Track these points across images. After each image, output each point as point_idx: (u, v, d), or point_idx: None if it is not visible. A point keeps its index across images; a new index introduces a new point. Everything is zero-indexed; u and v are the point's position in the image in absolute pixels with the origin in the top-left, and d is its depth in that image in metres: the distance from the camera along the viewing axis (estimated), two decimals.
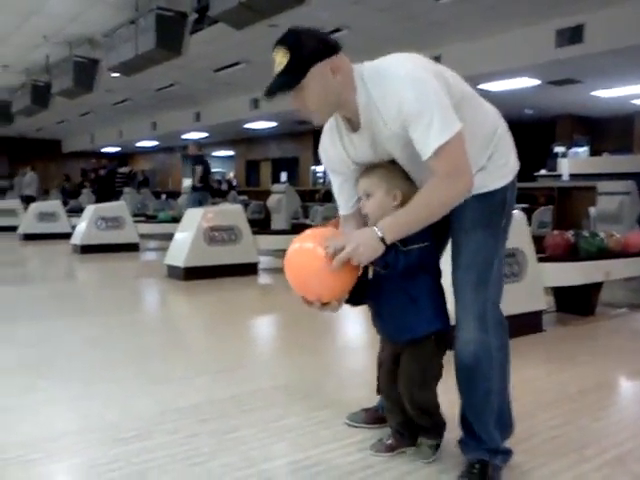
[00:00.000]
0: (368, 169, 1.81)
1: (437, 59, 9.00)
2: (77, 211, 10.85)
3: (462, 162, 1.63)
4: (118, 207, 8.88)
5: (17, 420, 2.26)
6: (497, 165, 1.78)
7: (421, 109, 1.58)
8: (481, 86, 9.72)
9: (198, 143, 10.64)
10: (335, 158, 1.87)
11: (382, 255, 1.65)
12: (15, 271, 7.13)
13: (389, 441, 1.97)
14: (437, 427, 1.94)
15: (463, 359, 1.76)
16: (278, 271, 6.40)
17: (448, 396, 1.92)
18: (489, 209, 1.78)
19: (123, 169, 14.73)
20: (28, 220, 10.45)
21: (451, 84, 1.68)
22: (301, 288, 1.73)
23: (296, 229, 6.76)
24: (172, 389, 2.63)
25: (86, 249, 8.11)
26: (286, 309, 4.61)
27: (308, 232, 1.80)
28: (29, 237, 10.10)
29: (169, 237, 6.81)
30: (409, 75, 1.61)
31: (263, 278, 6.41)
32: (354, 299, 1.85)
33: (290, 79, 1.62)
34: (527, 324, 3.59)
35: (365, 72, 1.67)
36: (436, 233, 1.80)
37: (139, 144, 20.64)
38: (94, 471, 1.85)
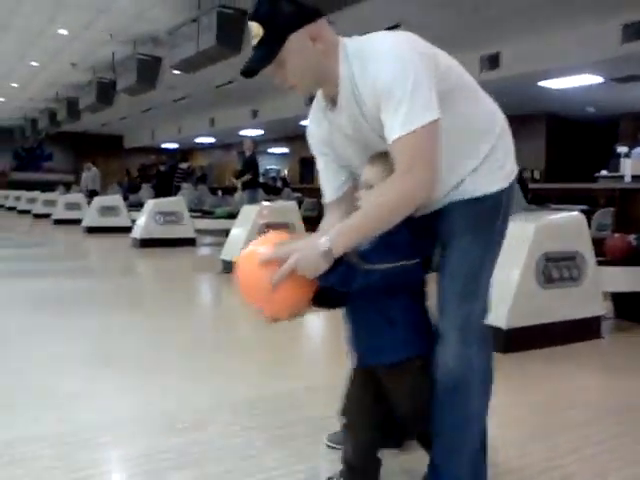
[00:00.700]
0: (373, 157, 1.60)
1: (496, 56, 8.84)
2: (137, 206, 11.20)
3: (427, 158, 1.44)
4: (176, 202, 9.12)
5: (84, 406, 2.38)
6: (492, 168, 1.60)
7: (393, 88, 1.41)
8: (541, 83, 9.48)
9: (253, 140, 10.79)
10: (320, 138, 1.70)
11: (330, 270, 1.42)
12: (79, 264, 7.44)
13: None
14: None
15: (439, 378, 1.55)
16: None
17: None
18: (479, 215, 1.60)
19: (182, 165, 15.05)
20: (91, 214, 10.86)
21: (443, 71, 1.51)
22: (248, 297, 1.52)
23: None
24: (227, 382, 2.70)
25: (145, 243, 8.36)
26: None
27: (269, 235, 1.62)
28: (92, 230, 10.50)
29: (225, 233, 6.95)
30: (391, 51, 1.46)
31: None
32: (322, 300, 1.59)
33: (267, 52, 1.48)
34: (585, 330, 3.49)
35: (350, 45, 1.52)
36: (425, 247, 1.61)
37: (197, 140, 21.09)
38: (154, 458, 1.93)
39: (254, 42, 1.50)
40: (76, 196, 13.40)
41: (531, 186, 10.76)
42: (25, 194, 17.00)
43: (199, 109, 16.13)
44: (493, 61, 8.80)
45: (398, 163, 1.44)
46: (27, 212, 15.65)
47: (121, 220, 10.84)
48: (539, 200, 8.02)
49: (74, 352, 3.16)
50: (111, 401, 2.45)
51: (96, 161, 16.56)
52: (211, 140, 20.79)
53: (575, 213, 3.62)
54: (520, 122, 12.28)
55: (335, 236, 1.43)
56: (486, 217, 1.61)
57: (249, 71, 1.50)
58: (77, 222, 11.38)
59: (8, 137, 22.44)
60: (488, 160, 1.59)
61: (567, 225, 3.53)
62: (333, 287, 1.49)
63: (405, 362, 1.56)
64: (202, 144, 22.36)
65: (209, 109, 16.12)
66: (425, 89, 1.42)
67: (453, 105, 1.51)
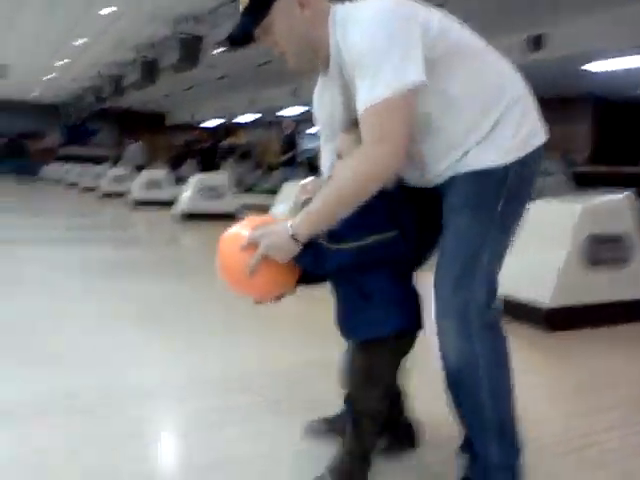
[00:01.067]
0: (350, 126, 1.51)
1: (539, 38, 8.62)
2: (181, 180, 11.39)
3: (391, 130, 1.33)
4: (219, 178, 9.27)
5: (137, 365, 2.52)
6: (498, 141, 1.46)
7: (364, 55, 1.34)
8: (587, 66, 9.20)
9: (293, 120, 10.83)
10: (321, 111, 1.65)
11: (301, 253, 1.41)
12: (125, 235, 7.67)
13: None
14: (359, 441, 1.55)
15: (447, 367, 1.51)
16: None
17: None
18: (481, 190, 1.46)
19: (225, 142, 15.21)
20: (137, 187, 11.10)
21: (435, 36, 1.39)
22: (228, 279, 1.50)
23: None
24: (268, 350, 2.79)
25: (188, 216, 8.54)
26: None
27: (252, 218, 1.59)
28: (137, 203, 10.75)
29: (266, 209, 7.05)
30: (371, 17, 1.38)
31: None
32: (308, 277, 1.55)
33: (252, 18, 1.45)
34: (631, 311, 3.45)
35: (339, 12, 1.46)
36: (404, 220, 1.51)
37: (239, 118, 21.22)
38: (201, 415, 2.04)
39: (241, 9, 1.48)
40: (122, 170, 13.69)
41: (578, 169, 10.54)
42: (74, 168, 17.45)
43: (240, 87, 16.20)
44: (537, 43, 8.58)
45: (363, 137, 1.37)
46: (75, 185, 16.08)
47: (165, 194, 11.05)
48: (586, 182, 7.86)
49: (125, 315, 3.30)
50: (160, 361, 2.58)
51: (140, 137, 16.85)
52: (252, 118, 20.88)
53: (622, 195, 3.56)
54: (565, 104, 12.06)
55: (299, 221, 1.40)
56: (488, 193, 1.47)
57: (235, 38, 1.49)
58: (123, 195, 11.66)
59: (56, 113, 23.02)
60: (497, 130, 1.46)
61: (614, 206, 3.48)
62: (306, 269, 1.47)
63: (376, 341, 1.50)
64: (244, 122, 22.48)
65: (250, 88, 16.17)
66: (397, 56, 1.32)
67: (449, 72, 1.42)
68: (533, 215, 3.54)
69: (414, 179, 1.57)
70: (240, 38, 1.50)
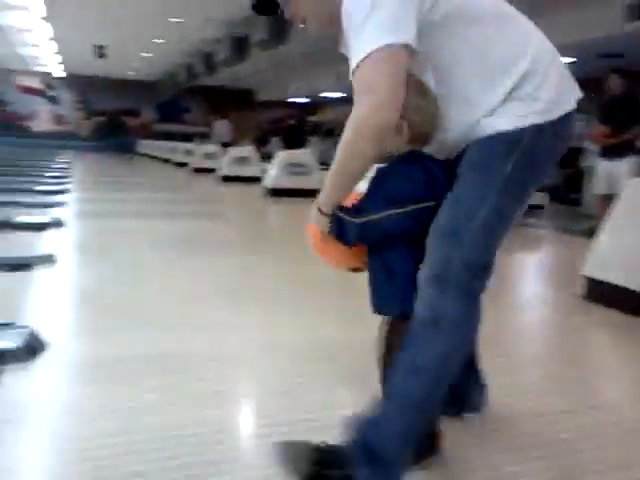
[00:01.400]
0: None
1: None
2: (267, 157, 11.62)
3: (376, 81, 1.29)
4: (305, 155, 9.38)
5: (226, 331, 2.65)
6: (514, 106, 1.40)
7: (351, 10, 1.32)
8: None
9: None
10: None
11: (331, 225, 1.47)
12: (214, 209, 7.96)
13: None
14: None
15: (413, 316, 1.44)
16: None
17: None
18: (489, 152, 1.41)
19: (311, 119, 15.32)
20: (225, 163, 11.45)
21: None
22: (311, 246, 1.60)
23: None
24: (348, 322, 2.85)
25: (275, 192, 8.72)
26: None
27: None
28: (226, 179, 11.09)
29: None
30: None
31: None
32: None
33: None
34: None
35: None
36: (427, 193, 1.46)
37: (325, 95, 21.27)
38: (288, 380, 2.14)
39: None
40: (212, 147, 14.13)
41: None
42: (166, 144, 18.19)
43: (327, 64, 16.17)
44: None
45: (355, 96, 1.34)
46: (168, 161, 16.79)
47: (253, 170, 11.32)
48: None
49: (215, 286, 3.47)
50: (247, 329, 2.70)
51: (228, 114, 17.28)
52: (338, 94, 20.86)
53: None
54: None
55: (321, 194, 1.47)
56: (496, 155, 1.40)
57: (258, 4, 1.52)
58: (213, 171, 12.06)
59: (151, 91, 24.02)
60: (514, 96, 1.40)
61: None
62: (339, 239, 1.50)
63: (401, 317, 1.48)
64: (329, 98, 22.50)
65: (337, 64, 16.10)
66: (381, 15, 1.28)
67: (456, 33, 1.37)
68: (628, 194, 3.39)
69: (436, 151, 1.53)
70: (263, 4, 1.52)
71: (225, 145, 13.87)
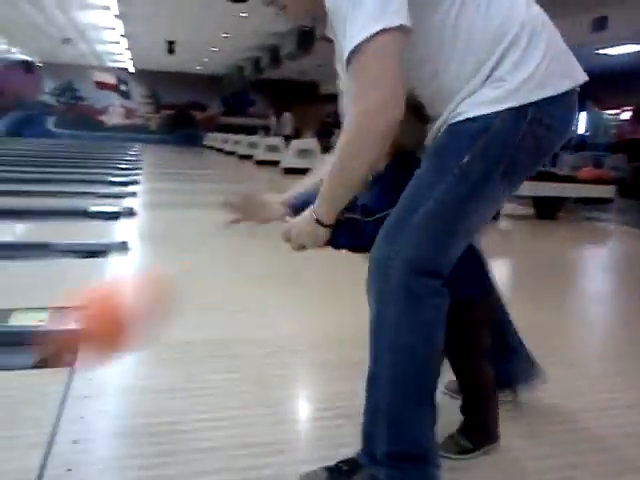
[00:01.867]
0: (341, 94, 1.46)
1: (603, 20, 8.09)
2: (328, 150, 11.66)
3: (376, 76, 1.17)
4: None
5: (283, 318, 2.74)
6: (491, 87, 1.26)
7: (337, 4, 1.19)
8: None
9: None
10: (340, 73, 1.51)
11: (336, 235, 1.39)
12: None
13: None
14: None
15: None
16: (519, 218, 6.28)
17: None
18: (450, 139, 1.29)
19: None
20: (288, 156, 11.60)
21: None
22: None
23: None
24: None
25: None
26: (525, 256, 4.57)
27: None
28: (288, 171, 11.24)
29: None
30: None
31: (504, 224, 6.33)
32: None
33: None
34: None
35: None
36: None
37: None
38: (343, 365, 2.19)
39: None
40: (275, 139, 14.33)
41: None
42: (231, 137, 18.57)
43: None
44: None
45: (353, 91, 1.22)
46: (232, 153, 17.14)
47: (315, 162, 11.41)
48: None
49: (279, 271, 3.56)
50: (311, 314, 2.78)
51: (292, 107, 17.45)
52: None
53: None
54: None
55: (317, 205, 1.35)
56: (455, 142, 1.28)
57: None
58: (276, 163, 12.25)
59: (217, 85, 24.56)
60: (494, 76, 1.26)
61: None
62: (348, 248, 1.46)
63: None
64: None
65: None
66: None
67: (436, 11, 1.24)
68: None
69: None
70: None
71: (288, 138, 14.03)
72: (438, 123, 1.34)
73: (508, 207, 6.96)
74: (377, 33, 1.14)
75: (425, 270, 1.29)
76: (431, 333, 1.32)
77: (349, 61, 1.19)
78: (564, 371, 2.17)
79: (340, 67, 1.43)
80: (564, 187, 6.52)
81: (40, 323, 2.39)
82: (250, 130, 18.95)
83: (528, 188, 5.84)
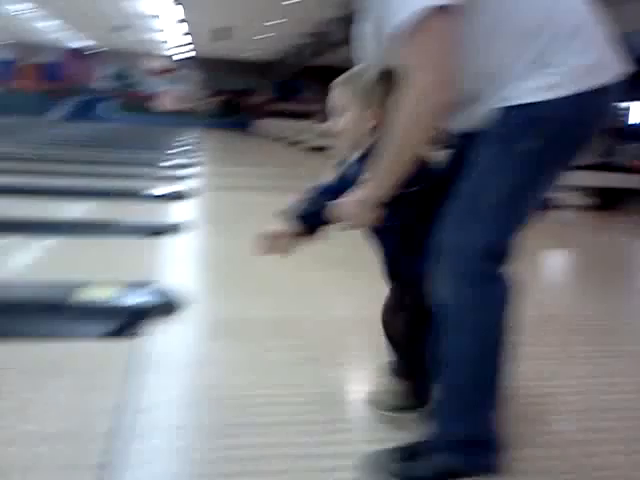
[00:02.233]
0: (344, 79, 1.51)
1: None
2: None
3: (442, 56, 1.17)
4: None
5: (318, 300, 2.77)
6: (543, 72, 1.24)
7: None
8: None
9: None
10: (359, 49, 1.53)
11: (390, 213, 1.39)
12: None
13: None
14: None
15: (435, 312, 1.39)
16: (582, 209, 6.12)
17: None
18: (508, 124, 1.27)
19: None
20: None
21: None
22: None
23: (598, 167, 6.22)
24: None
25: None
26: (582, 249, 4.44)
27: None
28: None
29: None
30: None
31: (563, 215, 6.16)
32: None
33: None
34: None
35: None
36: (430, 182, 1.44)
37: None
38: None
39: None
40: (325, 125, 14.29)
41: None
42: (282, 123, 18.64)
43: None
44: None
45: (407, 66, 1.21)
46: (282, 139, 17.22)
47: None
48: None
49: (328, 255, 3.53)
50: (359, 296, 2.77)
51: None
52: None
53: None
54: None
55: (368, 184, 1.35)
56: (515, 128, 1.27)
57: None
58: (326, 149, 12.24)
59: (266, 71, 24.69)
60: (541, 63, 1.24)
61: None
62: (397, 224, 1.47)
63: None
64: None
65: None
66: None
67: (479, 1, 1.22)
68: None
69: (460, 122, 1.41)
70: None
71: None
72: (485, 105, 1.31)
73: (571, 198, 6.77)
74: (440, 9, 1.13)
75: (497, 255, 1.32)
76: (503, 316, 1.32)
77: (393, 38, 1.19)
78: (604, 366, 2.10)
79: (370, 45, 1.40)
80: (629, 178, 6.36)
81: (109, 296, 2.49)
82: (300, 116, 18.98)
83: (593, 178, 5.70)
